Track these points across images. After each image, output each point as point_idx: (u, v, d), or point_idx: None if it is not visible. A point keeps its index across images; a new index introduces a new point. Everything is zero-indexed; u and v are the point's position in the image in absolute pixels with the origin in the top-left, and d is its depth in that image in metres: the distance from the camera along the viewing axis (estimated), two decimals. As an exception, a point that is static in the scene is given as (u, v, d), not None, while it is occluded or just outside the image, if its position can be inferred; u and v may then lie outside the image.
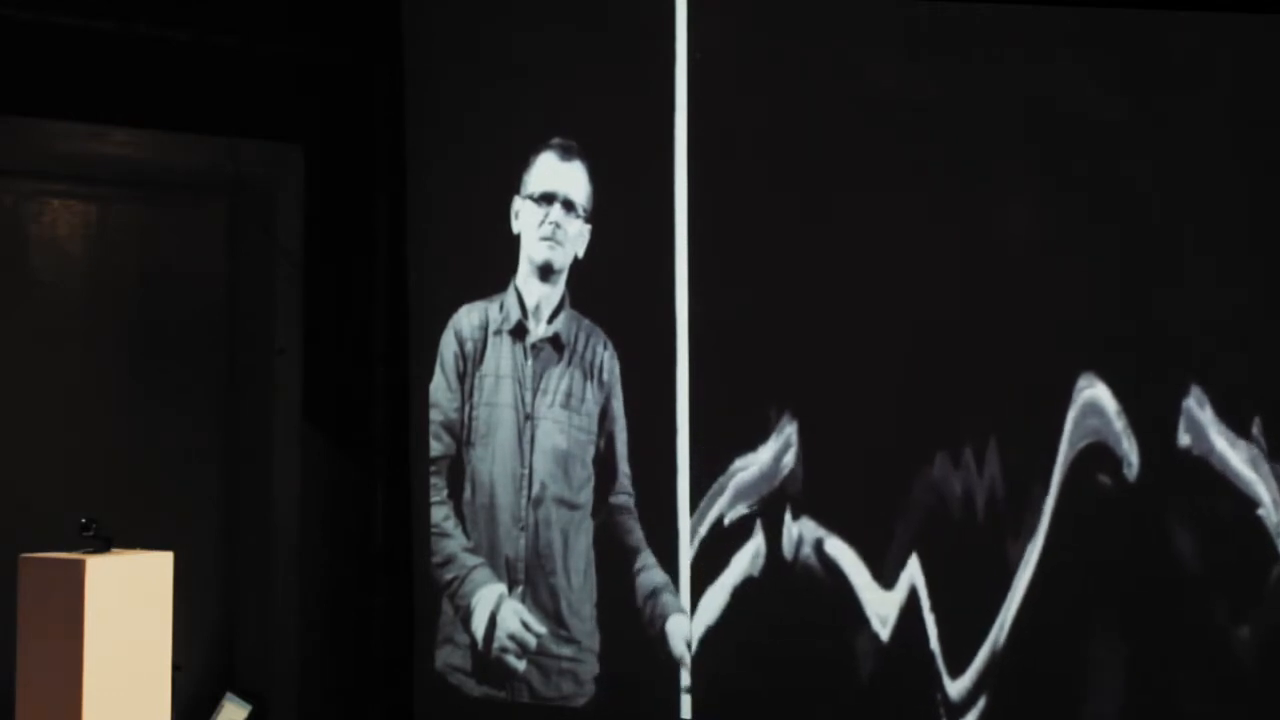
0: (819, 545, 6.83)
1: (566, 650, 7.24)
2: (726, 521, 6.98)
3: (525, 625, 7.30)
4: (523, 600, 7.33)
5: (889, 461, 6.74)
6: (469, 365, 7.45)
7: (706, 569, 7.02)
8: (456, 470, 7.47)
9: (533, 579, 7.31)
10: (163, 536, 6.53)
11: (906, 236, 6.75)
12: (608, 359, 7.21)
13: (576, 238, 7.28)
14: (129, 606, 6.15)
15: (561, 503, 7.27)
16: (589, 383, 7.23)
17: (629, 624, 7.17)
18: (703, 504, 7.02)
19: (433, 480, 7.52)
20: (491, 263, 7.43)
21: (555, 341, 7.31)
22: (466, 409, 7.46)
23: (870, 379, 6.78)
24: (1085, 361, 6.53)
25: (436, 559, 7.51)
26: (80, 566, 6.02)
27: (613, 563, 7.21)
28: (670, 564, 7.06)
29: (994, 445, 6.62)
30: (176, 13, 7.34)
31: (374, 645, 7.88)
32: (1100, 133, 6.54)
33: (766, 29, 6.98)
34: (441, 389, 7.50)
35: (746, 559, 6.95)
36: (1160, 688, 6.45)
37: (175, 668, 6.40)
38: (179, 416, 7.74)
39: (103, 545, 6.20)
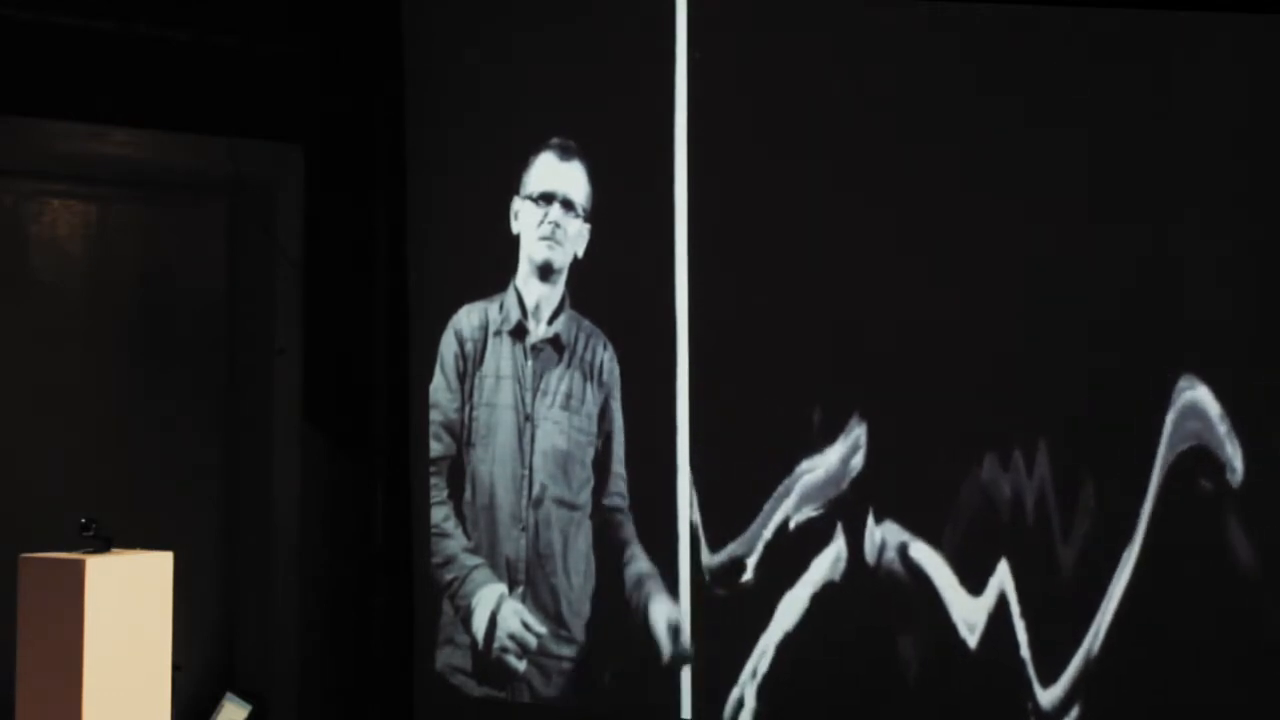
0: (903, 550, 6.66)
1: (567, 650, 7.24)
2: (793, 525, 6.84)
3: (526, 625, 7.30)
4: (523, 600, 7.32)
5: (964, 463, 6.57)
6: (469, 366, 7.45)
7: (777, 574, 6.86)
8: (456, 471, 7.47)
9: (533, 579, 7.31)
10: (163, 536, 6.53)
11: (925, 236, 6.68)
12: (607, 360, 7.21)
13: (576, 237, 7.28)
14: (129, 606, 6.15)
15: (561, 503, 7.27)
16: (589, 384, 7.23)
17: (629, 623, 7.17)
18: (767, 507, 6.88)
19: (433, 481, 7.52)
20: (491, 263, 7.43)
21: (555, 342, 7.30)
22: (466, 410, 7.46)
23: (937, 379, 6.63)
24: (1187, 363, 6.32)
25: (437, 559, 7.51)
26: (80, 566, 6.02)
27: (613, 563, 7.20)
28: (670, 564, 7.05)
29: (1077, 448, 6.44)
30: (176, 13, 7.35)
31: (374, 645, 7.88)
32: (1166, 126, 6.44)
33: (766, 29, 6.98)
34: (441, 389, 7.50)
35: (827, 563, 6.79)
36: (1265, 698, 6.24)
37: (175, 668, 6.40)
38: (179, 416, 7.74)
39: (103, 545, 6.19)
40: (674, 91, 7.03)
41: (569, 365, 7.27)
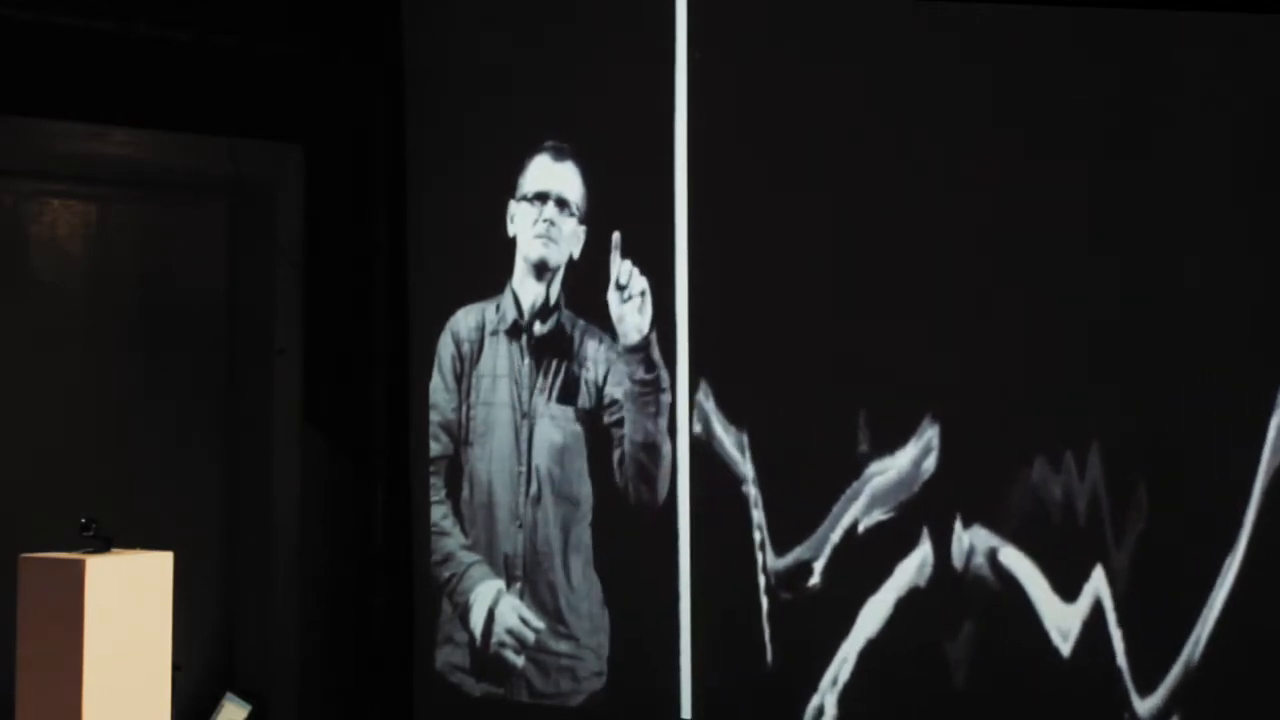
0: (993, 555, 6.48)
1: (565, 646, 7.25)
2: (861, 528, 6.71)
3: (523, 621, 7.32)
4: (520, 597, 7.33)
5: (1048, 467, 6.40)
6: (466, 366, 7.47)
7: (851, 578, 6.70)
8: (455, 469, 7.49)
9: (531, 576, 7.32)
10: (163, 536, 6.53)
11: (971, 237, 6.61)
12: (605, 354, 7.21)
13: (571, 237, 7.29)
14: (129, 606, 6.14)
15: (559, 500, 7.28)
16: (586, 379, 7.24)
17: (628, 620, 7.17)
18: (835, 509, 6.74)
19: (431, 480, 7.53)
20: (490, 264, 7.44)
21: (551, 340, 7.32)
22: (464, 409, 7.47)
23: (1011, 381, 6.49)
24: None
25: (435, 557, 7.52)
26: (80, 566, 6.01)
27: (611, 560, 7.20)
28: (670, 564, 7.05)
29: (1169, 450, 6.29)
30: (176, 13, 7.35)
31: (374, 645, 7.88)
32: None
33: (767, 28, 6.97)
34: (439, 389, 7.52)
35: (912, 568, 6.61)
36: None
37: (175, 668, 6.39)
38: (179, 416, 7.74)
39: (103, 545, 6.19)
40: (674, 92, 7.02)
41: (565, 361, 7.28)
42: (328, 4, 7.78)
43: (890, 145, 6.73)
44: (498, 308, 7.43)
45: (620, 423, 7.16)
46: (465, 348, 7.48)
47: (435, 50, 7.63)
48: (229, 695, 7.69)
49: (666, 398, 7.07)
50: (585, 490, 7.23)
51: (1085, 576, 6.36)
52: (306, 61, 7.76)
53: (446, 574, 7.49)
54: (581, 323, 7.28)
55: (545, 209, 7.31)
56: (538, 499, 7.31)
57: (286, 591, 7.77)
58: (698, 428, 6.99)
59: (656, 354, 7.09)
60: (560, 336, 7.30)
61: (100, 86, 7.21)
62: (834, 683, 6.74)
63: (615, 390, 7.17)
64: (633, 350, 7.10)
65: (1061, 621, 6.41)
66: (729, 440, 6.93)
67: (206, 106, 7.45)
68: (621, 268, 7.12)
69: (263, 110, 7.64)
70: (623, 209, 7.20)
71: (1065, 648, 6.40)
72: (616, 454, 7.17)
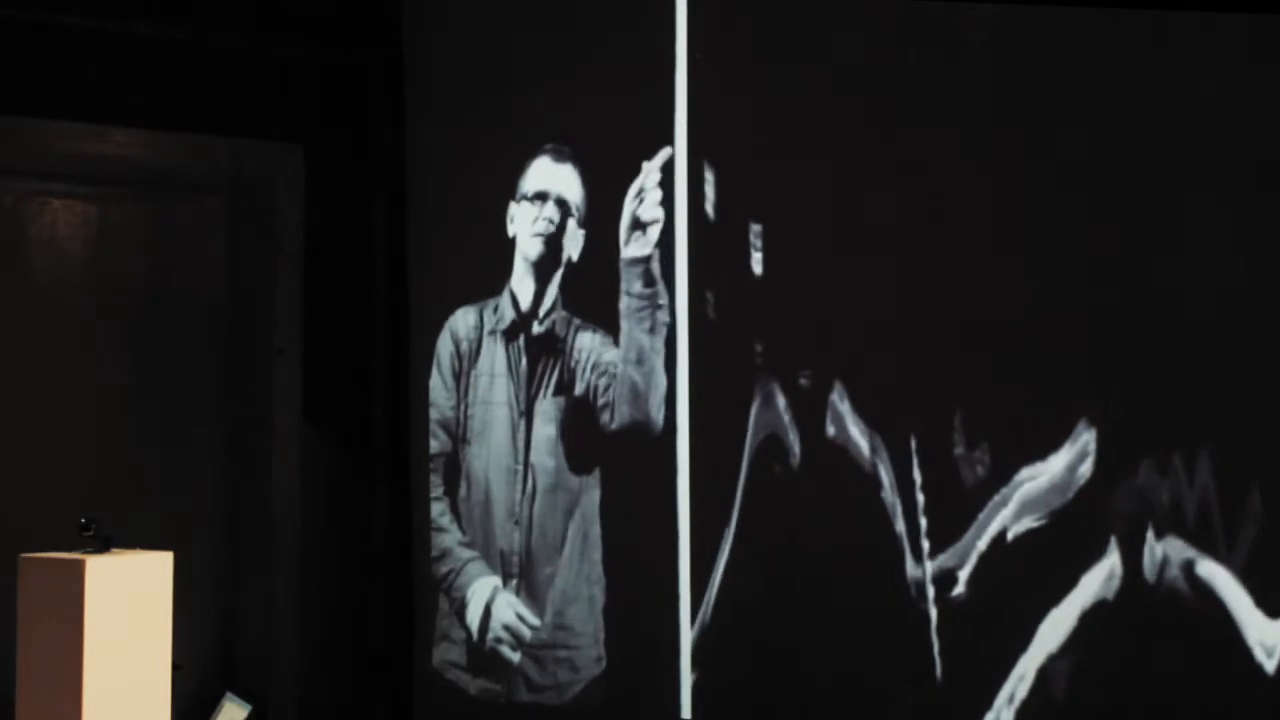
0: (1188, 567, 6.27)
1: (562, 639, 7.26)
2: (1010, 535, 6.50)
3: (520, 617, 7.33)
4: (517, 593, 7.35)
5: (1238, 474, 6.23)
6: (464, 365, 7.49)
7: (997, 587, 6.52)
8: (453, 467, 7.51)
9: (527, 572, 7.33)
10: (163, 536, 6.53)
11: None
12: (599, 345, 7.22)
13: (570, 238, 7.30)
14: (129, 606, 6.15)
15: (556, 497, 7.29)
16: (583, 378, 7.25)
17: (625, 616, 7.17)
18: (981, 516, 6.55)
19: (430, 478, 7.55)
20: (489, 264, 7.44)
21: (548, 339, 7.34)
22: (462, 407, 7.49)
23: (1164, 382, 6.35)
24: None
25: (433, 554, 7.53)
26: (80, 566, 6.02)
27: (608, 556, 7.20)
28: (669, 564, 7.05)
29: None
30: (176, 13, 7.34)
31: (374, 645, 7.88)
32: None
33: (767, 29, 6.97)
34: (438, 388, 7.53)
35: (1099, 580, 6.40)
36: None
37: (175, 668, 6.40)
38: (179, 416, 7.74)
39: (103, 545, 6.20)
40: (674, 94, 7.02)
41: (562, 360, 7.30)
42: (328, 4, 7.78)
43: (890, 144, 6.73)
44: (496, 308, 7.45)
45: (609, 406, 7.16)
46: (464, 347, 7.50)
47: (436, 50, 7.63)
48: (229, 695, 7.69)
49: (664, 315, 7.01)
50: (581, 487, 7.23)
51: None
52: (306, 61, 7.76)
53: (444, 570, 7.51)
54: (578, 323, 7.29)
55: (545, 208, 7.33)
56: (534, 496, 7.33)
57: (286, 591, 7.77)
58: (831, 429, 6.79)
59: (657, 269, 7.00)
60: (558, 337, 7.32)
61: (100, 86, 7.20)
62: (1010, 699, 6.50)
63: (604, 379, 7.18)
64: (633, 263, 7.05)
65: (1266, 637, 6.20)
66: (865, 444, 6.75)
67: (206, 106, 7.45)
68: (650, 186, 7.00)
69: (263, 110, 7.64)
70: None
71: (1270, 664, 6.20)
72: (603, 403, 7.17)
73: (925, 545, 6.57)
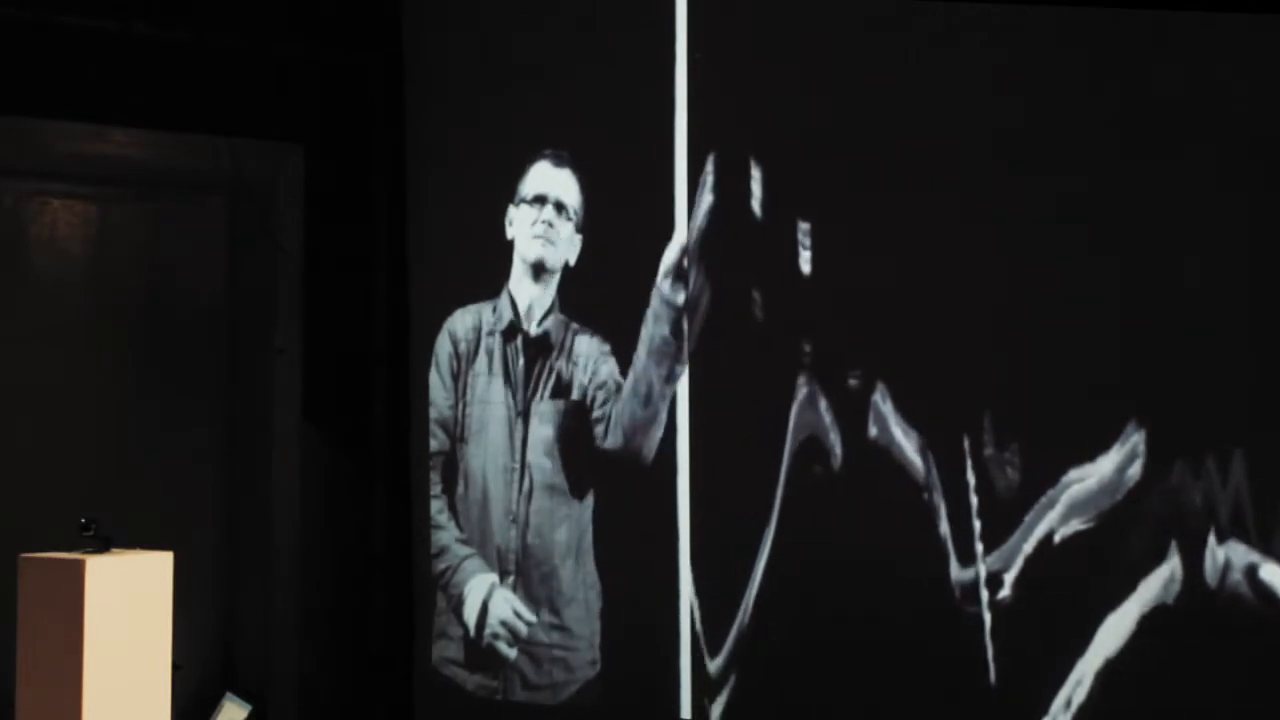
0: (1251, 572, 6.10)
1: (558, 638, 7.27)
2: (1058, 538, 6.34)
3: (516, 613, 7.34)
4: (514, 590, 7.36)
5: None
6: (462, 365, 7.51)
7: (1034, 588, 6.36)
8: (450, 466, 7.53)
9: (524, 569, 7.35)
10: (163, 536, 6.54)
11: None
12: (598, 354, 7.23)
13: (568, 241, 7.31)
14: (129, 606, 6.15)
15: (553, 496, 7.30)
16: (577, 376, 7.26)
17: (622, 614, 7.17)
18: (1028, 519, 6.40)
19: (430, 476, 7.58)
20: (489, 264, 7.45)
21: (545, 340, 7.36)
22: (460, 407, 7.51)
23: (1210, 384, 6.21)
24: None
25: (431, 551, 7.54)
26: (80, 566, 6.02)
27: (604, 554, 7.20)
28: (669, 564, 7.05)
29: None
30: (176, 13, 7.35)
31: (374, 645, 7.88)
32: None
33: (767, 30, 6.97)
34: (437, 388, 7.56)
35: (1158, 584, 6.21)
36: None
37: (175, 668, 6.40)
38: (179, 416, 7.74)
39: (103, 545, 6.20)
40: (674, 95, 7.02)
41: (559, 361, 7.31)
42: (327, 4, 7.78)
43: (891, 145, 6.72)
44: (494, 309, 7.46)
45: (604, 421, 7.17)
46: (462, 347, 7.52)
47: (436, 51, 7.63)
48: (229, 695, 7.69)
49: (681, 365, 7.00)
50: (578, 486, 7.24)
51: None
52: (306, 61, 7.76)
53: (441, 566, 7.53)
54: (575, 326, 7.30)
55: (544, 211, 7.34)
56: (530, 495, 7.34)
57: (286, 591, 7.77)
58: (874, 430, 6.70)
59: (686, 322, 6.99)
60: (555, 339, 7.33)
61: (100, 86, 7.21)
62: (1068, 704, 6.37)
63: (601, 392, 7.18)
64: (666, 306, 7.04)
65: None
66: (909, 445, 6.65)
67: (206, 106, 7.45)
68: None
69: (263, 110, 7.64)
70: (623, 214, 7.19)
71: None
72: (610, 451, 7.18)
73: (979, 548, 6.47)
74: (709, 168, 6.96)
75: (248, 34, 7.56)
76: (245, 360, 7.93)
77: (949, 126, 6.59)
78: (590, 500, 7.24)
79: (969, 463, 6.47)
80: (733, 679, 6.95)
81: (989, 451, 6.44)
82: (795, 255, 6.78)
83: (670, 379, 7.02)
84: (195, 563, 7.17)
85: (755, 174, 6.87)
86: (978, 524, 6.46)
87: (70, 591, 6.01)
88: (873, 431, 6.66)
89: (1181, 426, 6.22)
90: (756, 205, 6.89)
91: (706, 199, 6.97)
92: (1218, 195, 6.26)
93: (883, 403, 6.64)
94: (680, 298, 7.00)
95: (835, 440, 6.72)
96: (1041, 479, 6.38)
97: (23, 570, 6.14)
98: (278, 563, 7.79)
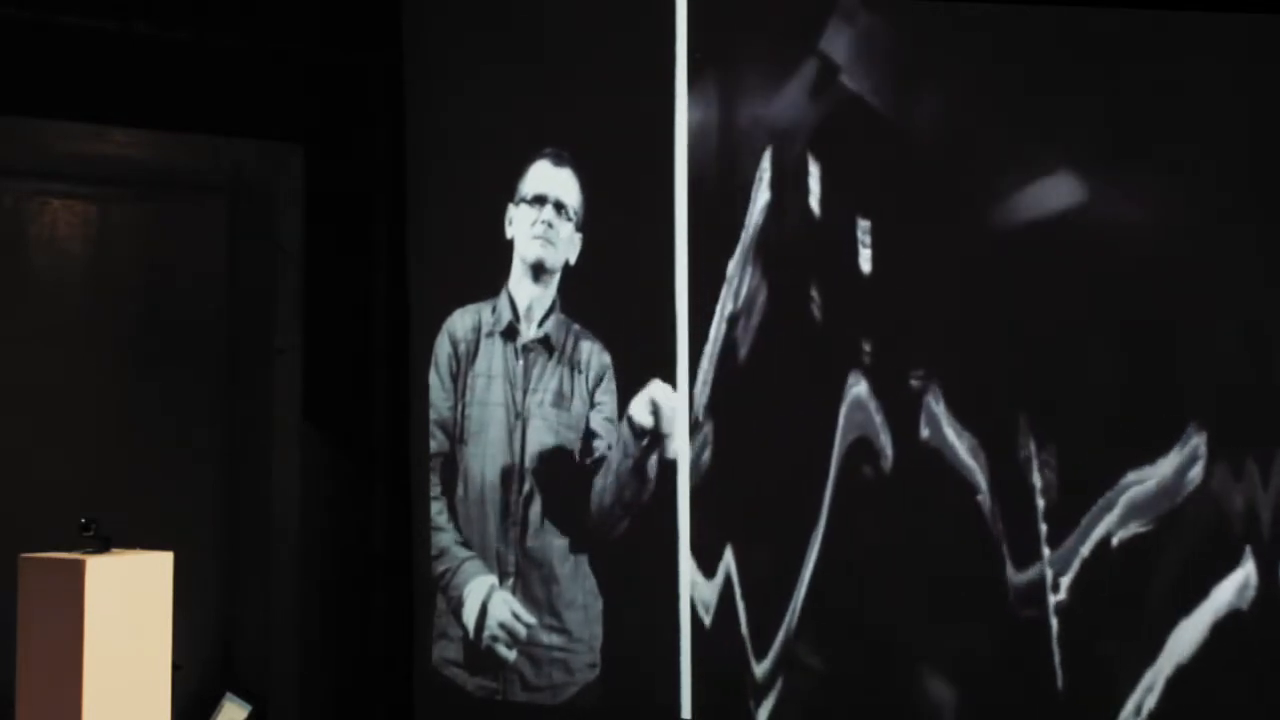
0: None
1: (557, 640, 7.27)
2: (1115, 541, 6.26)
3: (515, 615, 7.35)
4: (513, 592, 7.36)
5: None
6: (462, 366, 7.51)
7: (1092, 592, 6.28)
8: (450, 467, 7.52)
9: (523, 572, 7.35)
10: (163, 536, 6.54)
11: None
12: (597, 357, 7.23)
13: (568, 241, 7.31)
14: (129, 606, 6.15)
15: (552, 497, 7.30)
16: (578, 381, 7.27)
17: (622, 616, 7.17)
18: (1085, 521, 6.30)
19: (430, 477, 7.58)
20: (488, 264, 7.45)
21: (545, 342, 7.35)
22: (460, 408, 7.50)
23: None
24: None
25: (431, 553, 7.54)
26: (80, 566, 6.03)
27: (604, 556, 7.20)
28: (670, 565, 7.05)
29: None
30: (176, 13, 7.35)
31: (374, 645, 7.88)
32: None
33: (767, 30, 6.97)
34: (436, 389, 7.55)
35: (1232, 590, 6.11)
36: None
37: (175, 668, 6.40)
38: (179, 416, 7.74)
39: (103, 545, 6.20)
40: (674, 96, 7.02)
41: (559, 363, 7.32)
42: (328, 4, 7.79)
43: (893, 144, 6.72)
44: (494, 309, 7.46)
45: (601, 444, 7.17)
46: (461, 348, 7.52)
47: (436, 51, 7.63)
48: (229, 695, 7.69)
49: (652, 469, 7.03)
50: (577, 488, 7.24)
51: None
52: (306, 61, 7.76)
53: (441, 568, 7.53)
54: (575, 326, 7.30)
55: (543, 211, 7.34)
56: (530, 497, 7.34)
57: (286, 591, 7.77)
58: (925, 432, 6.60)
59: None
60: (555, 340, 7.33)
61: (100, 86, 7.21)
62: (1138, 711, 6.28)
63: (605, 400, 7.18)
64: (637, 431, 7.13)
65: None
66: (961, 447, 6.56)
67: (206, 106, 7.46)
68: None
69: (263, 110, 7.64)
70: (622, 215, 7.19)
71: None
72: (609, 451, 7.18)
73: (1046, 552, 6.37)
74: (765, 164, 6.88)
75: (248, 34, 7.56)
76: (245, 360, 7.93)
77: (1011, 123, 6.51)
78: (590, 501, 7.23)
79: (1034, 465, 6.38)
80: (779, 683, 6.86)
81: (1044, 454, 6.36)
82: (855, 254, 6.68)
83: (642, 479, 7.05)
84: (195, 563, 7.16)
85: (813, 170, 6.79)
86: (1044, 527, 6.36)
87: (70, 591, 6.01)
88: (924, 432, 6.57)
89: (1245, 428, 6.14)
90: (815, 203, 6.81)
91: (763, 196, 6.88)
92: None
93: (935, 403, 6.56)
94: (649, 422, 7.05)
95: (886, 441, 6.64)
96: (1099, 482, 6.29)
97: (23, 570, 6.14)
98: (278, 563, 7.79)
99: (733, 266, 6.91)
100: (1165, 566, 6.22)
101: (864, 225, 6.68)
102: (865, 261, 6.69)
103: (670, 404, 7.02)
